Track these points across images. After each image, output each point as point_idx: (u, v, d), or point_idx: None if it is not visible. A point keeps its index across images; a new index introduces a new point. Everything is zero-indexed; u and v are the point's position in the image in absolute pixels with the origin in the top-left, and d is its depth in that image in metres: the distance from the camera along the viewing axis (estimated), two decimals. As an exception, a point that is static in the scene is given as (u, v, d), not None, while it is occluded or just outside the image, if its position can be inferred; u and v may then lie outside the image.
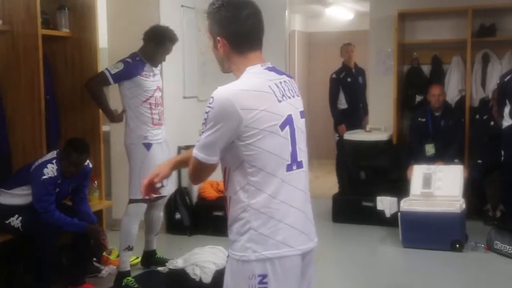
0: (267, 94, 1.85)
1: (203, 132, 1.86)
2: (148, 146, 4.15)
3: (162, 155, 4.23)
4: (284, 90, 1.90)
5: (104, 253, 4.40)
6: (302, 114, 1.98)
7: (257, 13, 1.93)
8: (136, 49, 4.28)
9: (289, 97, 1.91)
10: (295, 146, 1.89)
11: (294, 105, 1.93)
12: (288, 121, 1.87)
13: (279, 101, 1.86)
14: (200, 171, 1.94)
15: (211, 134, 1.83)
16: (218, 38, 1.92)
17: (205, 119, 1.84)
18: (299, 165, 1.91)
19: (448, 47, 6.28)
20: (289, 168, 1.87)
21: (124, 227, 4.16)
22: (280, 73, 1.96)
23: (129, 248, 4.15)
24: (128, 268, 4.20)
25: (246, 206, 1.86)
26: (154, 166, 4.10)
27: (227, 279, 1.93)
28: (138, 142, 4.14)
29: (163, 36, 4.19)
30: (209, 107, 1.83)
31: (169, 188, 4.43)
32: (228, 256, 1.95)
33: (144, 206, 4.21)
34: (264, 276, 1.85)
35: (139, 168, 4.11)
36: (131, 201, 4.18)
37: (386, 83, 6.39)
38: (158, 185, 3.75)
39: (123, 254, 4.16)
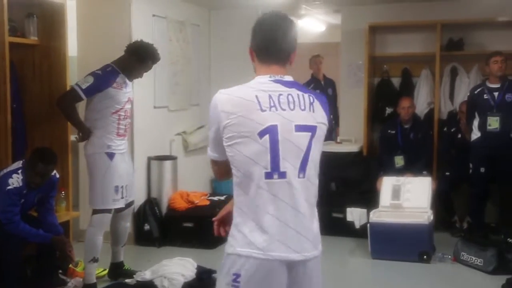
0: (249, 102, 1.94)
1: None
2: (111, 155, 4.08)
3: (124, 165, 4.20)
4: (279, 102, 1.96)
5: (70, 265, 4.32)
6: (302, 128, 1.98)
7: (280, 28, 2.03)
8: (106, 57, 4.23)
9: (284, 110, 1.96)
10: (276, 156, 1.93)
11: (288, 118, 1.95)
12: (269, 131, 1.92)
13: (263, 111, 1.93)
14: (214, 166, 2.12)
15: (210, 132, 2.03)
16: (249, 47, 2.09)
17: None
18: (282, 175, 1.94)
19: (418, 60, 6.38)
20: (268, 176, 1.93)
21: (89, 239, 4.10)
22: (289, 85, 2.02)
23: (95, 260, 4.09)
24: (94, 280, 4.14)
25: (235, 203, 2.00)
26: (117, 176, 4.11)
27: None
28: (101, 151, 4.07)
29: (146, 54, 4.16)
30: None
31: (131, 198, 4.39)
32: None
33: (109, 216, 4.15)
34: (237, 275, 1.93)
35: (102, 177, 4.06)
36: (95, 211, 4.12)
37: (356, 95, 6.45)
38: (118, 196, 3.84)
39: (89, 266, 4.10)
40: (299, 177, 1.97)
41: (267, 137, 1.92)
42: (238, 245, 1.94)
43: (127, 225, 4.49)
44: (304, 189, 1.99)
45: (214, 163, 2.09)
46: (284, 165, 1.94)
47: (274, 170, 1.93)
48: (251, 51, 2.08)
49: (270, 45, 2.03)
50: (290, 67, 2.11)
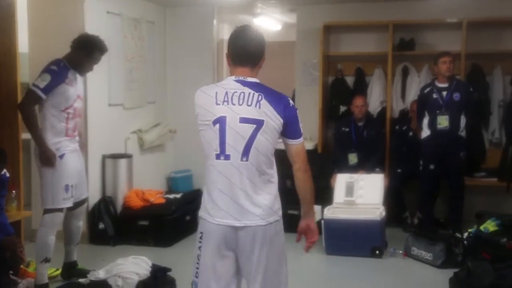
0: (209, 96, 2.43)
1: None
2: (60, 156, 4.05)
3: (74, 163, 4.16)
4: (232, 98, 2.41)
5: (22, 266, 4.24)
6: (246, 120, 2.39)
7: (250, 39, 2.49)
8: (59, 55, 4.16)
9: (234, 104, 2.40)
10: (224, 141, 2.40)
11: (235, 111, 2.40)
12: (219, 121, 2.39)
13: (217, 104, 2.41)
14: None
15: None
16: (226, 53, 2.56)
17: None
18: (227, 157, 2.41)
19: (371, 59, 6.51)
20: (217, 157, 2.42)
21: (40, 238, 4.05)
22: (246, 85, 2.44)
23: (46, 260, 4.04)
24: (46, 281, 4.09)
25: (205, 177, 2.51)
26: (67, 175, 4.06)
27: None
28: None
29: (93, 46, 4.12)
30: None
31: (83, 197, 4.36)
32: None
33: (60, 215, 4.11)
34: (202, 233, 2.50)
35: (52, 176, 4.02)
36: (46, 211, 4.07)
37: (311, 94, 6.54)
38: (68, 195, 3.91)
39: (40, 266, 4.05)
40: (241, 160, 2.41)
41: (218, 125, 2.40)
42: (201, 210, 2.50)
43: (80, 224, 4.44)
44: (247, 171, 2.41)
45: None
46: (229, 149, 2.40)
47: (222, 153, 2.41)
48: (227, 57, 2.52)
49: (242, 52, 2.48)
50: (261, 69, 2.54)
